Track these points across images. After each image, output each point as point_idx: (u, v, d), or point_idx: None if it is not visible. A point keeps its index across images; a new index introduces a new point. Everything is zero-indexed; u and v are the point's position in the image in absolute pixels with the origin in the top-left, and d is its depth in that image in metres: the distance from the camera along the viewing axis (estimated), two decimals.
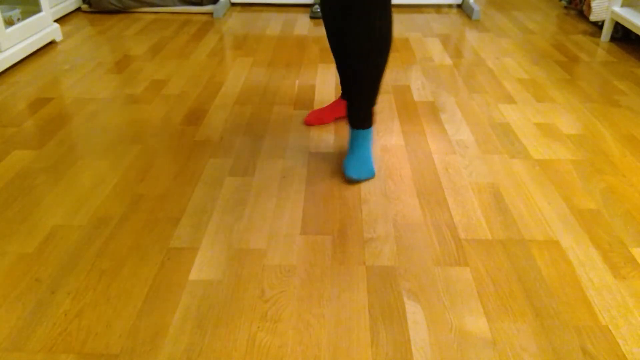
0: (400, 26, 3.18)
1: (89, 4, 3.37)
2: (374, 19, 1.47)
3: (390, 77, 2.41)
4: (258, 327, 1.13)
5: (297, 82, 2.36)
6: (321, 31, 3.08)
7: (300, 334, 1.12)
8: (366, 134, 1.68)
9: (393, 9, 3.55)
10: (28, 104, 2.14)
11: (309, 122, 1.95)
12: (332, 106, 1.98)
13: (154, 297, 1.21)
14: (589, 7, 3.04)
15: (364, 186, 1.61)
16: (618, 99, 2.20)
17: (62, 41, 2.86)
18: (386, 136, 1.89)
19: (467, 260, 1.32)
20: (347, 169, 1.63)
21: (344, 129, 1.95)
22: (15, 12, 2.62)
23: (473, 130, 1.94)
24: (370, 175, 1.64)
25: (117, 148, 1.82)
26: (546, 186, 1.61)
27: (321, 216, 1.48)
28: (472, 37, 2.99)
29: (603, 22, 3.01)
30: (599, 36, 2.97)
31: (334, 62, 1.91)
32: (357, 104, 1.63)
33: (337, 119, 2.00)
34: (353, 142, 1.68)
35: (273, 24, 3.19)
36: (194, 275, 1.27)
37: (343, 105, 1.97)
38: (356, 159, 1.65)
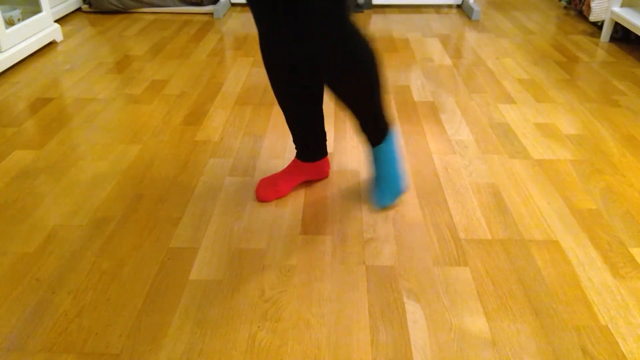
0: (400, 26, 3.18)
1: (90, 4, 3.37)
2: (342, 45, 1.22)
3: (390, 77, 2.41)
4: (258, 327, 1.13)
5: None
6: None
7: (301, 334, 1.12)
8: (387, 146, 1.47)
9: (394, 10, 3.55)
10: (28, 104, 2.14)
11: (263, 199, 1.54)
12: (289, 173, 1.57)
13: (154, 297, 1.21)
14: (589, 7, 3.04)
15: (364, 186, 1.61)
16: (617, 99, 2.20)
17: (62, 41, 2.86)
18: None
19: (466, 260, 1.32)
20: (375, 198, 1.50)
21: (343, 127, 1.95)
22: (16, 13, 2.62)
23: (473, 131, 1.94)
24: (399, 194, 1.51)
25: (117, 148, 1.82)
26: (546, 186, 1.62)
27: (321, 216, 1.48)
28: (471, 37, 2.99)
29: (603, 22, 3.01)
30: (599, 36, 2.97)
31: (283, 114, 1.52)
32: (363, 122, 1.42)
33: (296, 187, 1.61)
34: (376, 162, 1.50)
35: None
36: (194, 275, 1.27)
37: (301, 169, 1.58)
38: (382, 183, 1.50)
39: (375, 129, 1.43)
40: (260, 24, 1.31)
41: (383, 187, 1.50)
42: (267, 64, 1.39)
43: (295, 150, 1.59)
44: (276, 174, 1.58)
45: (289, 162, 1.74)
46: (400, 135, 1.90)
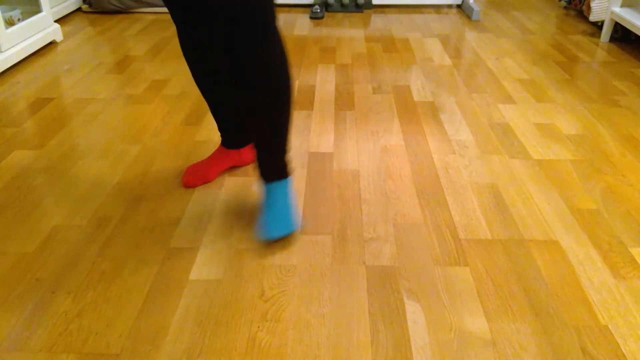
0: (400, 26, 3.18)
1: (90, 4, 3.37)
2: (268, 47, 1.20)
3: (390, 77, 2.41)
4: (258, 327, 1.13)
5: (297, 82, 2.36)
6: (321, 31, 3.08)
7: (300, 334, 1.12)
8: (283, 186, 1.42)
9: (394, 10, 3.55)
10: (28, 104, 2.14)
11: (189, 184, 1.60)
12: (215, 159, 1.64)
13: (154, 297, 1.21)
14: (589, 7, 3.04)
15: (364, 186, 1.61)
16: (618, 99, 2.20)
17: (62, 41, 2.86)
18: (386, 136, 1.89)
19: (467, 260, 1.32)
20: (264, 228, 1.37)
21: (343, 127, 1.95)
22: (16, 13, 2.62)
23: (473, 131, 1.94)
24: (291, 230, 1.38)
25: (117, 148, 1.82)
26: (546, 186, 1.62)
27: (321, 216, 1.48)
28: (471, 37, 2.99)
29: (603, 22, 3.01)
30: (599, 36, 2.97)
31: (211, 105, 1.56)
32: (267, 155, 1.37)
33: (222, 173, 1.67)
34: (269, 196, 1.41)
35: None
36: (194, 275, 1.27)
37: (227, 155, 1.65)
38: (274, 215, 1.38)
39: (274, 164, 1.38)
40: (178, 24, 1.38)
41: (274, 222, 1.38)
42: (190, 59, 1.46)
43: (221, 138, 1.66)
44: (202, 160, 1.65)
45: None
46: (400, 136, 1.90)
